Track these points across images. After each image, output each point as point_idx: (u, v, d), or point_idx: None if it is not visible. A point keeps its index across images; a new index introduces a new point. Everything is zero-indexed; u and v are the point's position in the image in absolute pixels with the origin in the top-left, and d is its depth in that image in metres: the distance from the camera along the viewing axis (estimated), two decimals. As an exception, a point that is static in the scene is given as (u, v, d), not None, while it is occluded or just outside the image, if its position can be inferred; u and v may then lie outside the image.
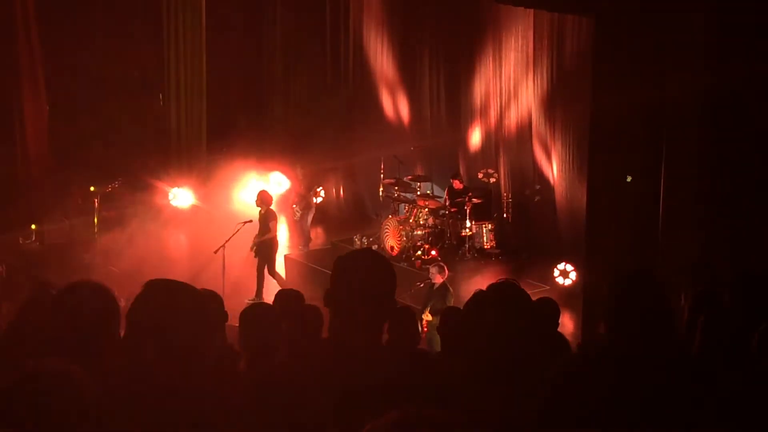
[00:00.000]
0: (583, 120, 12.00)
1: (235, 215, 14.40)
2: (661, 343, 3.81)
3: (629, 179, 10.09)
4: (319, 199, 17.28)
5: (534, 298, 3.58)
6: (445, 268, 11.35)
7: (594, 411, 2.93)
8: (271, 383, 3.14)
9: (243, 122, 17.37)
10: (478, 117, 15.86)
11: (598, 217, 10.90)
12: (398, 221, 14.76)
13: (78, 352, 3.08)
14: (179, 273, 12.85)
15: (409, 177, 15.60)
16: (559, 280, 13.42)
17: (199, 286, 5.75)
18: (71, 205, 15.48)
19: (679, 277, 9.01)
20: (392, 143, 16.53)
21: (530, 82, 14.86)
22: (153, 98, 17.42)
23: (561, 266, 13.48)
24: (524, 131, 15.13)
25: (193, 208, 16.74)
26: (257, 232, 13.64)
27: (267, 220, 13.62)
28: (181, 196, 17.06)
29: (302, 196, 16.16)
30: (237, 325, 5.39)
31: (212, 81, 17.41)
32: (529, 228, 15.20)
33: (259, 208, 13.73)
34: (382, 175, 15.90)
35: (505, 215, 14.97)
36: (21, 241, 15.10)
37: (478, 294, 3.11)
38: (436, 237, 14.78)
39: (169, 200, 17.04)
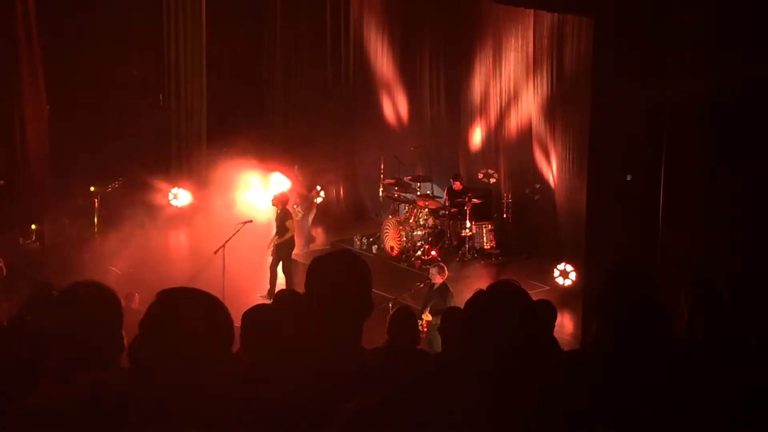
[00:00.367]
0: (583, 120, 12.01)
1: (235, 215, 14.40)
2: (654, 338, 3.82)
3: (629, 178, 10.10)
4: (319, 199, 17.28)
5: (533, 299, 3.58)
6: (445, 268, 11.35)
7: (585, 411, 2.94)
8: (271, 383, 3.15)
9: (243, 122, 17.36)
10: (478, 117, 15.87)
11: (598, 217, 10.91)
12: (398, 221, 14.77)
13: (79, 352, 3.09)
14: (179, 273, 12.86)
15: (409, 177, 15.61)
16: (559, 280, 13.42)
17: (198, 287, 5.76)
18: (71, 205, 15.47)
19: (679, 277, 9.01)
20: (392, 143, 16.55)
21: (530, 83, 14.87)
22: (153, 98, 17.41)
23: (561, 266, 13.49)
24: (524, 131, 15.14)
25: (193, 208, 16.74)
26: (274, 232, 13.74)
27: (284, 219, 13.68)
28: (181, 196, 17.06)
29: (304, 196, 16.17)
30: (236, 325, 5.37)
31: (212, 81, 17.41)
32: (529, 228, 15.21)
33: (276, 208, 13.80)
34: (382, 176, 15.91)
35: (505, 216, 14.98)
36: (21, 241, 15.10)
37: (479, 294, 3.11)
38: (436, 237, 14.79)
39: (169, 200, 17.04)
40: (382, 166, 15.90)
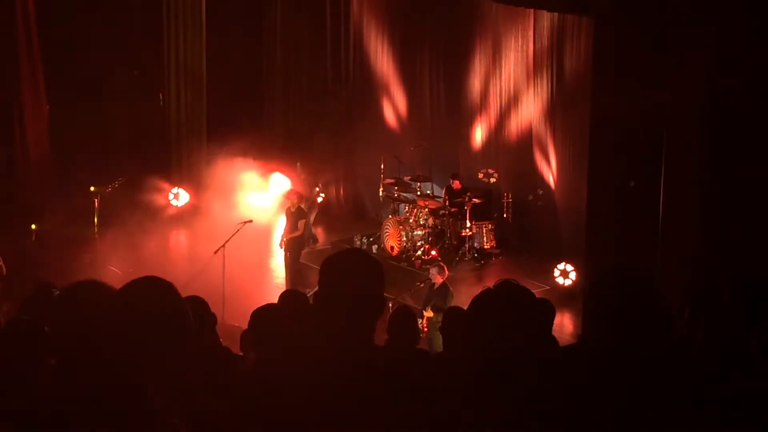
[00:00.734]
0: (583, 120, 12.01)
1: (234, 216, 14.40)
2: (651, 338, 3.82)
3: (632, 184, 10.11)
4: (320, 198, 17.30)
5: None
6: (445, 268, 11.35)
7: (584, 410, 2.94)
8: (276, 382, 3.15)
9: (243, 122, 17.35)
10: (478, 117, 15.87)
11: (598, 217, 10.91)
12: (398, 221, 14.77)
13: (80, 351, 3.09)
14: (179, 273, 12.84)
15: (409, 177, 15.61)
16: (559, 280, 13.42)
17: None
18: (71, 204, 15.47)
19: (679, 277, 9.02)
20: (392, 143, 16.55)
21: (530, 82, 14.87)
22: (153, 98, 17.42)
23: (561, 266, 13.48)
24: (524, 131, 15.14)
25: (193, 208, 16.74)
26: (286, 229, 13.79)
27: (298, 218, 13.71)
28: (181, 196, 17.07)
29: (306, 195, 16.19)
30: (236, 324, 5.38)
31: (212, 81, 17.41)
32: (529, 228, 15.21)
33: (288, 206, 13.83)
34: (382, 175, 15.90)
35: (505, 215, 14.98)
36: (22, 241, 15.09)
37: (486, 292, 3.11)
38: (436, 237, 14.78)
39: (169, 200, 17.05)
40: (382, 166, 15.90)
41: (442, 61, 16.30)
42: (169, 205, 17.01)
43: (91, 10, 16.26)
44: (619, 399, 3.17)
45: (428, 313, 10.86)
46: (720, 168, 9.54)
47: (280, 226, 17.10)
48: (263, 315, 5.12)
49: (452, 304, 10.01)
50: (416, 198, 15.09)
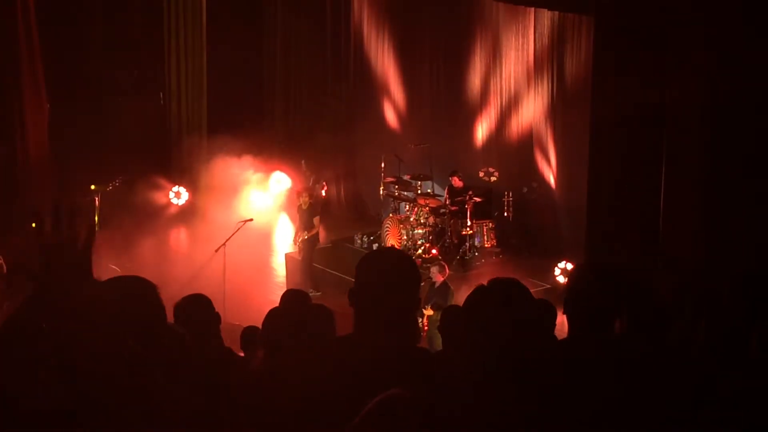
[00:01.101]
0: (584, 119, 12.01)
1: (235, 214, 14.41)
2: (650, 338, 3.83)
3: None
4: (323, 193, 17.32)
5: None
6: (446, 267, 11.36)
7: (583, 409, 2.94)
8: (284, 380, 3.15)
9: (243, 121, 17.36)
10: (479, 115, 15.87)
11: (598, 215, 10.92)
12: (399, 220, 14.77)
13: (77, 350, 3.09)
14: (180, 271, 12.87)
15: (409, 175, 15.60)
16: (560, 278, 13.42)
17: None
18: (72, 203, 15.45)
19: (680, 277, 9.02)
20: (392, 142, 16.54)
21: (531, 81, 14.87)
22: (153, 97, 17.42)
23: (562, 265, 13.49)
24: (525, 130, 15.14)
25: (194, 206, 16.74)
26: (299, 227, 13.82)
27: (312, 215, 13.74)
28: (181, 195, 17.07)
29: (311, 193, 16.20)
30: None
31: (213, 80, 17.42)
32: (529, 227, 15.20)
33: (300, 204, 13.86)
34: (382, 174, 15.90)
35: (505, 214, 14.96)
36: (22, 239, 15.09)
37: (480, 288, 3.11)
38: (436, 236, 14.78)
39: (169, 199, 17.06)
40: (382, 165, 15.89)
41: (443, 59, 16.29)
42: (169, 203, 17.02)
43: (92, 10, 16.26)
44: (618, 399, 3.17)
45: (429, 312, 10.87)
46: (720, 168, 9.55)
47: (280, 225, 17.13)
48: (275, 317, 5.11)
49: (453, 303, 10.02)
50: (417, 197, 15.09)
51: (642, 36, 9.86)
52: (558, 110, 14.41)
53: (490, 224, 14.80)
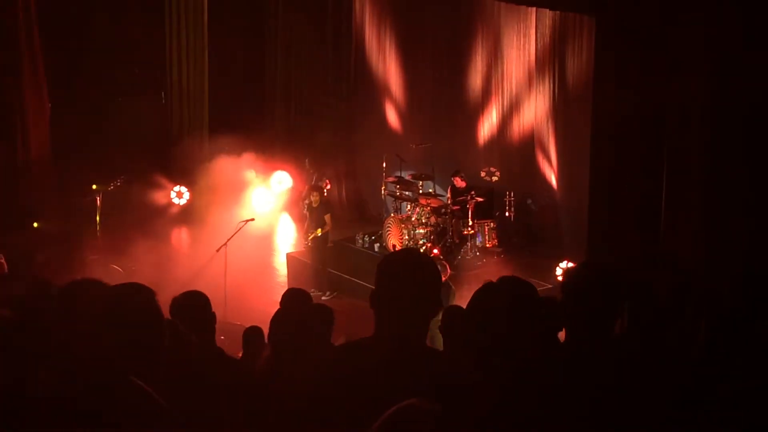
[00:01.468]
0: (585, 119, 12.01)
1: (236, 214, 14.41)
2: (650, 338, 3.83)
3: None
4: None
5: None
6: (447, 266, 11.36)
7: (582, 409, 2.94)
8: (291, 381, 3.16)
9: (245, 120, 17.37)
10: (480, 115, 15.87)
11: (600, 215, 10.91)
12: (400, 220, 14.77)
13: (79, 350, 3.10)
14: (181, 271, 12.87)
15: (411, 175, 15.61)
16: (561, 278, 13.41)
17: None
18: (73, 203, 15.47)
19: (680, 277, 9.00)
20: (394, 141, 16.55)
21: (532, 81, 14.88)
22: (155, 97, 17.42)
23: (563, 265, 13.48)
24: (526, 129, 15.15)
25: (195, 206, 16.75)
26: (310, 225, 13.80)
27: (323, 212, 13.74)
28: (182, 195, 17.08)
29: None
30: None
31: (214, 79, 17.42)
32: (530, 226, 15.21)
33: (310, 202, 13.85)
34: (384, 174, 15.90)
35: (507, 214, 14.96)
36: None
37: (488, 285, 3.11)
38: (438, 235, 14.78)
39: (170, 199, 17.06)
40: (383, 164, 15.90)
41: (444, 59, 16.29)
42: (170, 203, 17.03)
43: (93, 9, 16.26)
44: (618, 399, 3.17)
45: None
46: (720, 168, 9.54)
47: (281, 225, 17.14)
48: (280, 318, 5.12)
49: (454, 303, 10.01)
50: (418, 196, 15.09)
51: (642, 36, 9.85)
52: (559, 110, 14.41)
53: (492, 224, 14.80)
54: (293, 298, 6.37)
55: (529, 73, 14.91)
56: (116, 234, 14.55)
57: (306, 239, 14.04)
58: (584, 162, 12.08)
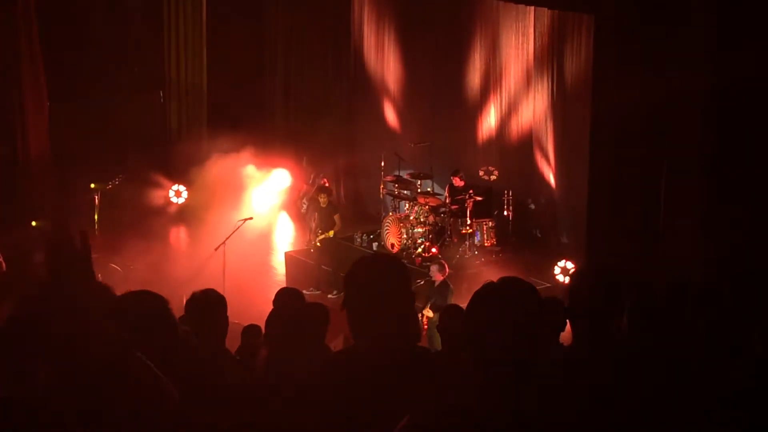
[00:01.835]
0: (584, 117, 12.01)
1: (235, 212, 14.40)
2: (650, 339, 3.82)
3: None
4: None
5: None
6: (446, 266, 11.35)
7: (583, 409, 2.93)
8: (286, 381, 3.16)
9: (244, 119, 17.36)
10: (479, 114, 15.86)
11: (599, 214, 10.92)
12: (399, 219, 14.77)
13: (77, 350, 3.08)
14: (180, 270, 12.87)
15: (409, 174, 15.60)
16: (560, 277, 13.41)
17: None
18: (72, 202, 15.47)
19: (680, 277, 9.01)
20: (392, 140, 16.54)
21: (531, 79, 14.87)
22: (154, 95, 17.41)
23: (561, 264, 13.48)
24: (525, 128, 15.14)
25: (193, 205, 16.73)
26: (317, 226, 13.78)
27: (332, 213, 13.72)
28: (181, 194, 17.07)
29: (309, 190, 16.18)
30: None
31: (213, 77, 17.41)
32: (529, 225, 15.20)
33: (320, 202, 13.84)
34: (382, 173, 15.89)
35: (505, 213, 14.95)
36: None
37: (489, 285, 3.10)
38: (436, 234, 14.77)
39: (169, 197, 17.05)
40: (382, 163, 15.89)
41: (443, 58, 16.28)
42: (169, 202, 17.02)
43: (92, 7, 16.25)
44: (619, 399, 3.16)
45: (428, 313, 10.86)
46: (720, 167, 9.54)
47: (280, 223, 17.13)
48: (274, 317, 5.11)
49: (452, 302, 10.01)
50: (417, 195, 15.08)
51: (642, 35, 9.86)
52: (558, 109, 14.40)
53: (490, 223, 14.79)
54: (286, 297, 6.38)
55: (528, 72, 14.90)
56: (115, 233, 14.55)
57: (314, 239, 13.98)
58: (583, 161, 12.09)
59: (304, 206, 16.06)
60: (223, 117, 17.36)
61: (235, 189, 16.60)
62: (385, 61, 17.16)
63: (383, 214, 15.69)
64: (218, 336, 4.94)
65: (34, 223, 15.28)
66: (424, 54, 16.53)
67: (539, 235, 15.12)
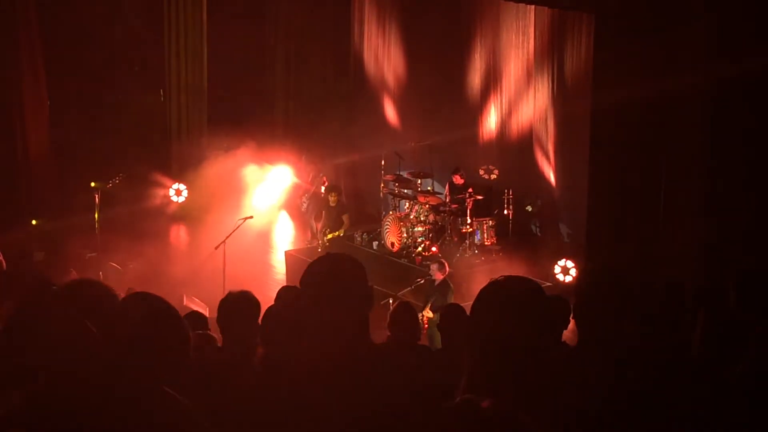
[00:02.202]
0: (584, 117, 12.00)
1: (235, 211, 14.39)
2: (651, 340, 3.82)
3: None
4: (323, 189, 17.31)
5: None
6: (446, 264, 11.34)
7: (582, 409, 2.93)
8: (282, 378, 3.16)
9: (244, 118, 17.36)
10: (479, 113, 15.86)
11: (599, 213, 10.91)
12: (399, 217, 14.77)
13: (77, 349, 3.09)
14: (180, 269, 12.87)
15: (410, 173, 15.59)
16: (560, 276, 13.42)
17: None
18: (72, 200, 15.47)
19: (680, 274, 9.01)
20: (393, 139, 16.53)
21: (531, 78, 14.87)
22: (154, 93, 17.41)
23: (562, 263, 13.48)
24: (525, 127, 15.14)
25: (194, 203, 16.73)
26: (325, 225, 13.77)
27: (340, 212, 13.71)
28: (181, 192, 17.06)
29: (309, 188, 16.18)
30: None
31: (213, 76, 17.40)
32: (529, 224, 15.20)
33: (328, 201, 13.83)
34: (382, 172, 15.89)
35: (505, 211, 14.95)
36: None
37: (494, 283, 3.10)
38: (436, 233, 14.77)
39: (169, 196, 17.05)
40: (382, 162, 15.89)
41: (444, 57, 16.27)
42: (169, 200, 17.02)
43: (92, 6, 16.24)
44: (619, 399, 3.17)
45: (428, 314, 10.86)
46: (720, 167, 9.54)
47: (280, 222, 17.13)
48: (272, 315, 5.10)
49: (452, 301, 10.01)
50: (417, 194, 15.07)
51: (642, 34, 9.85)
52: (558, 108, 14.40)
53: (490, 222, 14.78)
54: (288, 295, 6.37)
55: (528, 71, 14.90)
56: (115, 231, 14.54)
57: (321, 239, 13.97)
58: (583, 160, 12.08)
59: (305, 205, 16.05)
60: (224, 116, 17.35)
61: (235, 188, 16.60)
62: (385, 60, 17.16)
63: (383, 212, 15.69)
64: (247, 345, 4.91)
65: (34, 222, 15.29)
66: (425, 52, 16.53)
67: (539, 234, 15.12)
